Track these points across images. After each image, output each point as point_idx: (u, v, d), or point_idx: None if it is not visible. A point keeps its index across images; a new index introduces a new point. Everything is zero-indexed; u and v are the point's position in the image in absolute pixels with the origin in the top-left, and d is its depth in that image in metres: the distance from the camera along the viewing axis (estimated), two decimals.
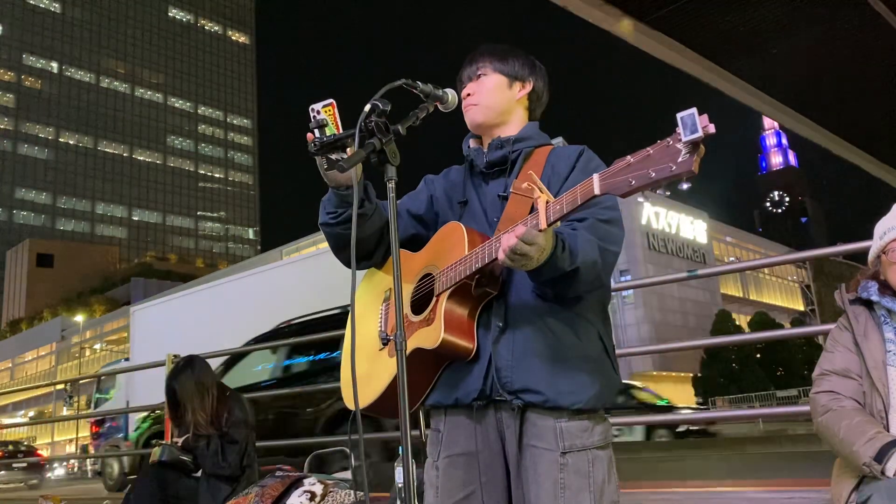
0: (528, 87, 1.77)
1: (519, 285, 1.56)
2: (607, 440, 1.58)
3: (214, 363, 5.86)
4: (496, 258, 1.42)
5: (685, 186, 1.21)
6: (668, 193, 1.22)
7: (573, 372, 1.53)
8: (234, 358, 6.65)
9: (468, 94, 1.74)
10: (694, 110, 1.13)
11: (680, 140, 1.15)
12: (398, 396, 1.39)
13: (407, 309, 1.65)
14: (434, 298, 1.58)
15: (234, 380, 6.20)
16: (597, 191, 1.27)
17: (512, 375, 1.52)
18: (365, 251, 1.72)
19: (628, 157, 1.23)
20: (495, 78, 1.75)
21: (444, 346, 1.52)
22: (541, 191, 1.35)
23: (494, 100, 1.73)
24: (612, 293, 2.12)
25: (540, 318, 1.54)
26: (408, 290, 1.67)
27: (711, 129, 1.12)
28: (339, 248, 1.71)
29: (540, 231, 1.35)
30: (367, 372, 1.67)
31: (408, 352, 1.45)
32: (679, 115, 1.14)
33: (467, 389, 1.56)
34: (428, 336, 1.53)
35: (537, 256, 1.38)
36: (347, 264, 1.52)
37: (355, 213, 1.48)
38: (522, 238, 1.34)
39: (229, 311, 9.17)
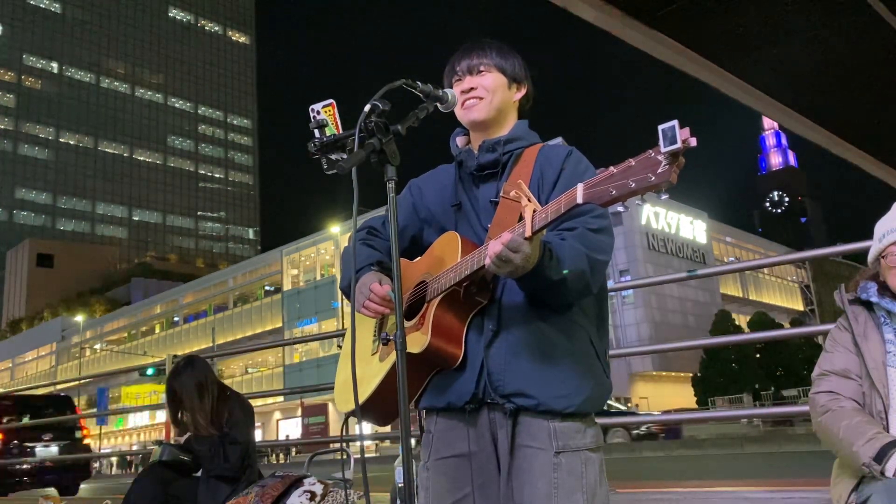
0: (524, 91, 1.75)
1: (513, 289, 1.56)
2: (598, 444, 1.58)
3: None
4: (483, 265, 1.43)
5: (664, 196, 1.23)
6: (642, 202, 1.24)
7: (565, 376, 1.53)
8: None
9: (471, 88, 1.69)
10: (675, 123, 1.15)
11: (660, 151, 1.16)
12: (398, 396, 1.39)
13: None
14: (425, 304, 1.59)
15: None
16: (580, 200, 1.28)
17: (504, 379, 1.52)
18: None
19: (612, 167, 1.25)
20: (497, 77, 1.71)
21: (430, 352, 1.52)
22: (528, 199, 1.37)
23: (498, 99, 1.70)
24: (612, 293, 2.12)
25: (532, 322, 1.54)
26: (404, 298, 1.65)
27: (692, 142, 1.14)
28: None
29: (525, 239, 1.36)
30: (358, 377, 1.67)
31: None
32: (660, 127, 1.16)
33: (459, 393, 1.56)
34: (415, 341, 1.53)
35: (523, 264, 1.38)
36: None
37: (355, 214, 1.48)
38: (508, 245, 1.36)
39: None
